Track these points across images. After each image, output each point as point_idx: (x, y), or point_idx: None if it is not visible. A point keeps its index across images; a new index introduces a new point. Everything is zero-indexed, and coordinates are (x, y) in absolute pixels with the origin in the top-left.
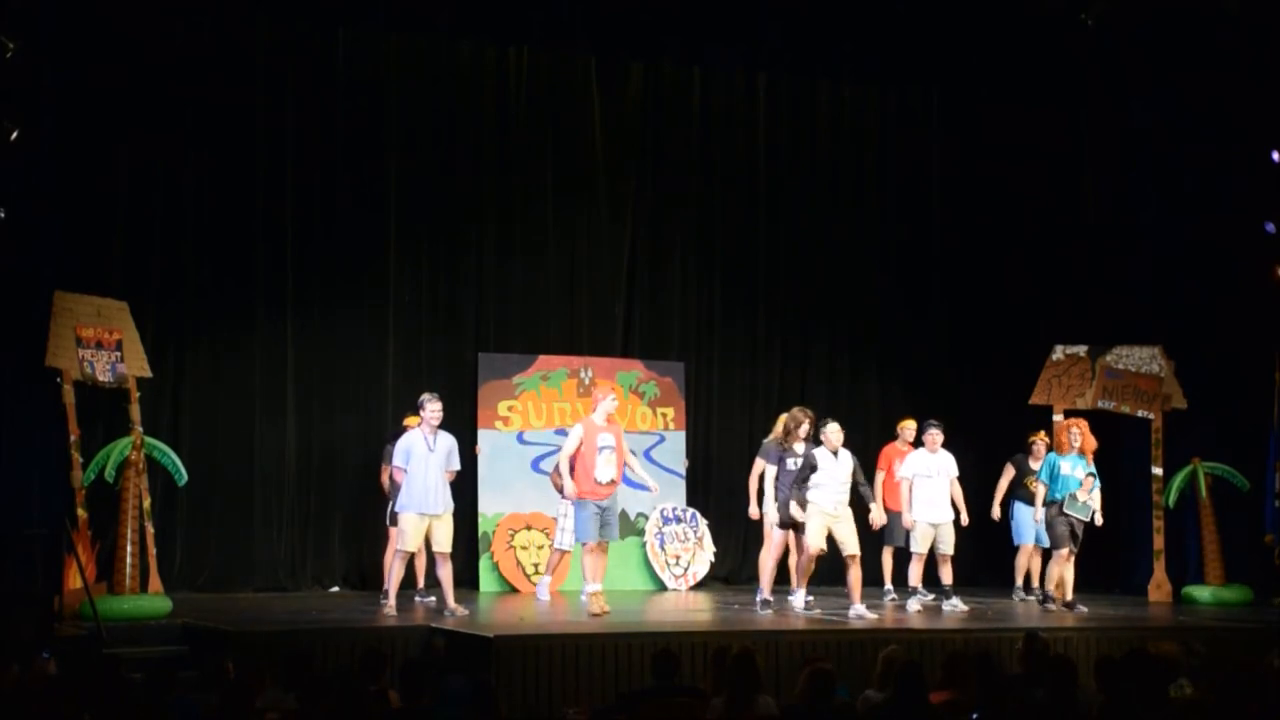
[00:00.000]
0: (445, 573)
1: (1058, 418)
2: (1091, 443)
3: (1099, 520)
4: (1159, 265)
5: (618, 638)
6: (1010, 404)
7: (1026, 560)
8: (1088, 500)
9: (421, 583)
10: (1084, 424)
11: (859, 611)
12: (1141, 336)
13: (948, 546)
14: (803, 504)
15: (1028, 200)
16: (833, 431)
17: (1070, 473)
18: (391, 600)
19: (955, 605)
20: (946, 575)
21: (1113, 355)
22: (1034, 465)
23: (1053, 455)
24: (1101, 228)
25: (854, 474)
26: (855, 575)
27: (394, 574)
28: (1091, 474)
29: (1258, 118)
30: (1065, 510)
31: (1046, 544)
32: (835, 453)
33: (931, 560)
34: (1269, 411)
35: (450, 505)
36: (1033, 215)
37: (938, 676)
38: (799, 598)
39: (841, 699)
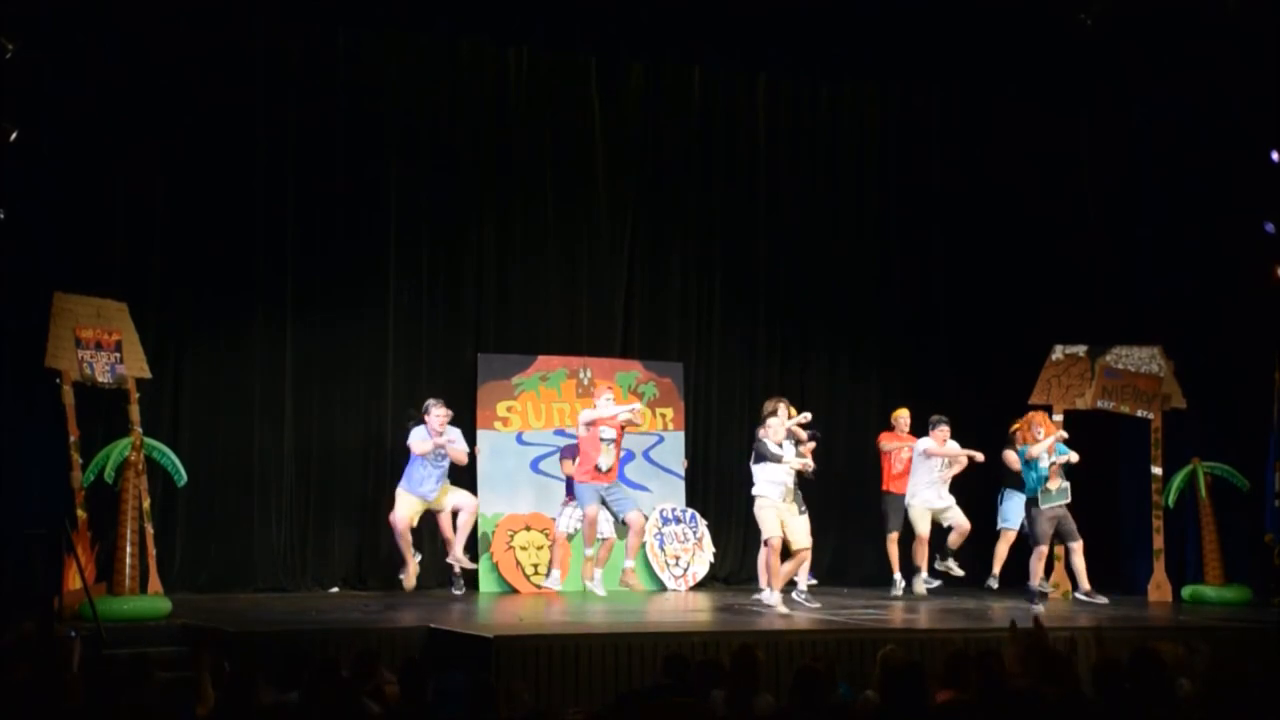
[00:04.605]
0: (463, 519)
1: (1058, 417)
2: (1058, 433)
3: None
4: (1159, 265)
5: (618, 638)
6: (1010, 404)
7: (1006, 548)
8: (1061, 487)
9: (457, 568)
10: (1043, 416)
11: (771, 598)
12: (1141, 336)
13: (960, 518)
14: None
15: (1028, 200)
16: (774, 424)
17: (1043, 463)
18: (409, 561)
19: (950, 566)
20: (956, 541)
21: (1112, 355)
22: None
23: (1024, 448)
24: (1101, 228)
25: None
26: (796, 563)
27: (400, 543)
28: (1055, 461)
29: (1258, 118)
30: (1043, 505)
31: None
32: (780, 444)
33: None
34: (1269, 411)
35: (443, 484)
36: (1033, 215)
37: (939, 676)
38: (771, 596)
39: (841, 699)
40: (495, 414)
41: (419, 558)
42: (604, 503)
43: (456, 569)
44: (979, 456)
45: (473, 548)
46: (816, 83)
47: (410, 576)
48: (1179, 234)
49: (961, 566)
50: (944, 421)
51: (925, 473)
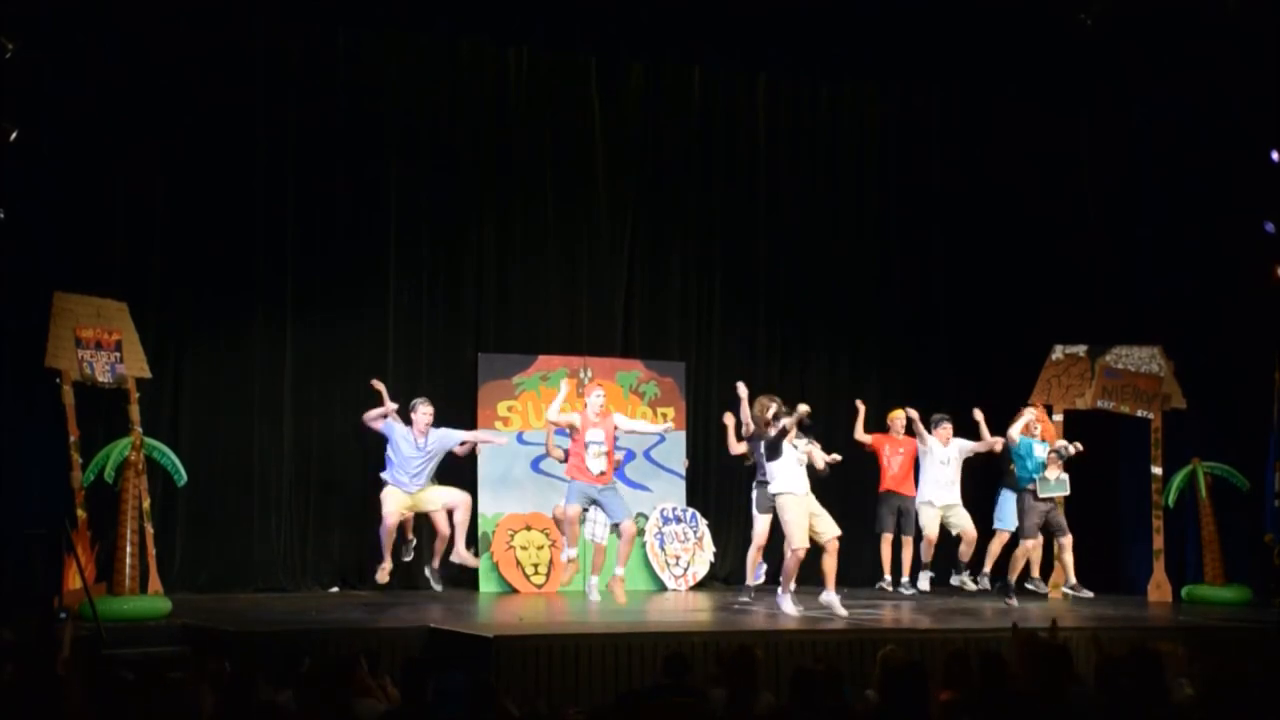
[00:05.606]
0: (460, 517)
1: (1058, 417)
2: (1051, 430)
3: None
4: (1159, 265)
5: (618, 638)
6: (1010, 404)
7: (999, 547)
8: (1060, 477)
9: (437, 562)
10: (1041, 412)
11: (830, 598)
12: (1141, 336)
13: (966, 524)
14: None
15: (1028, 200)
16: (786, 419)
17: (1039, 453)
18: (386, 561)
19: (964, 582)
20: (966, 552)
21: (1112, 355)
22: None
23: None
24: (1101, 228)
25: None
26: (831, 563)
27: (384, 540)
28: (1055, 451)
29: (1258, 118)
30: (1040, 495)
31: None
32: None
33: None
34: (1269, 411)
35: (429, 481)
36: (1033, 215)
37: (939, 676)
38: (787, 602)
39: (842, 699)
40: (496, 414)
41: (410, 558)
42: (597, 503)
43: (468, 561)
44: (989, 444)
45: (472, 548)
46: (816, 83)
47: (384, 573)
48: (1179, 234)
49: (975, 581)
50: (946, 420)
51: (934, 472)
